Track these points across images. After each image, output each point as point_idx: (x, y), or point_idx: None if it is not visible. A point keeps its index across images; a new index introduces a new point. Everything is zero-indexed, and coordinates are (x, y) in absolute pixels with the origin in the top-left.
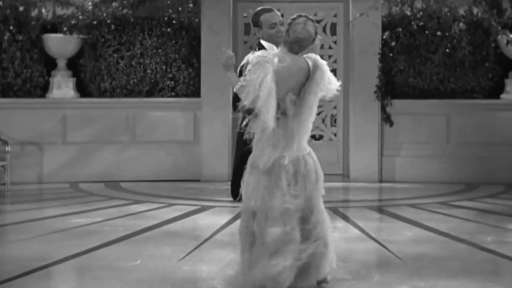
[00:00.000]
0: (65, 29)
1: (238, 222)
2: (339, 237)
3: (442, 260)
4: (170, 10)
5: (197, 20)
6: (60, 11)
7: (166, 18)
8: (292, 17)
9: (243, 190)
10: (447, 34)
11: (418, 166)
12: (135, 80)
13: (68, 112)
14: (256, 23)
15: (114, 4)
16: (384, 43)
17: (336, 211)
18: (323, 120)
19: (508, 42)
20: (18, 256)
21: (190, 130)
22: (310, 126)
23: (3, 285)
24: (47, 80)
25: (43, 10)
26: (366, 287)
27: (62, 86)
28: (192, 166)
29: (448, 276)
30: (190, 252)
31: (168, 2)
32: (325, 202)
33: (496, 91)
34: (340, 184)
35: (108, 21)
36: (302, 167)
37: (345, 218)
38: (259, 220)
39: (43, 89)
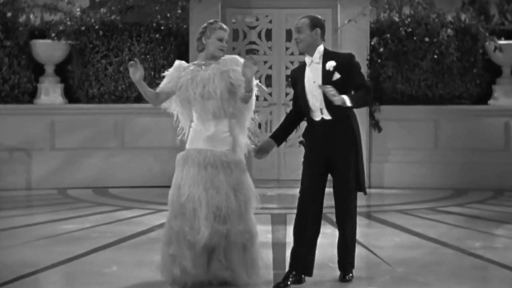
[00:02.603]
0: (53, 35)
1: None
2: (327, 242)
3: (430, 266)
4: (159, 16)
5: (185, 26)
6: (48, 17)
7: (154, 24)
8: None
9: None
10: (435, 40)
11: (407, 172)
12: (123, 86)
13: (56, 118)
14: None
15: (102, 10)
16: (372, 49)
17: (324, 217)
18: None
19: (495, 48)
20: (6, 263)
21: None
22: None
23: None
24: (35, 86)
25: (31, 16)
26: None
27: (50, 92)
28: None
29: (436, 282)
30: None
31: (157, 8)
32: None
33: (484, 97)
34: (327, 189)
35: (96, 27)
36: None
37: (333, 224)
38: None
39: (31, 95)
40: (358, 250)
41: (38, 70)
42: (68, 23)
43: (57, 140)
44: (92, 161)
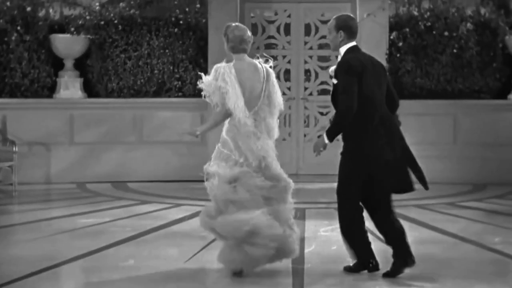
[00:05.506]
0: (72, 29)
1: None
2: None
3: (449, 261)
4: (177, 11)
5: (204, 20)
6: (67, 11)
7: (173, 19)
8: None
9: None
10: (454, 34)
11: (425, 166)
12: (142, 80)
13: (76, 112)
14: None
15: (121, 4)
16: (391, 44)
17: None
18: (330, 120)
19: None
20: (26, 256)
21: None
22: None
23: (12, 284)
24: (55, 81)
25: (51, 11)
26: (371, 286)
27: (70, 87)
28: (199, 167)
29: (455, 277)
30: (197, 253)
31: (175, 2)
32: (328, 203)
33: (503, 92)
34: None
35: (115, 21)
36: None
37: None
38: None
39: (50, 90)
40: (376, 244)
41: (57, 64)
42: (87, 17)
43: (76, 134)
44: (111, 155)
